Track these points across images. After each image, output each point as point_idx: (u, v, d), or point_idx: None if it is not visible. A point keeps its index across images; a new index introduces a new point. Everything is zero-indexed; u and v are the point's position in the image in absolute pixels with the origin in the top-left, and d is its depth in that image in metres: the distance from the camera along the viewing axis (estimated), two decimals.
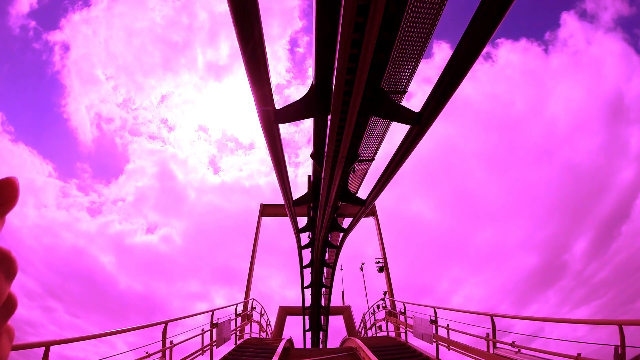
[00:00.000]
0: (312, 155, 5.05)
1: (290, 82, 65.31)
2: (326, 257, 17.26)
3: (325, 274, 19.02)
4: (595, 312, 42.69)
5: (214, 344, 8.63)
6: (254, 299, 15.63)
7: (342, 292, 26.30)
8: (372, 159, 6.54)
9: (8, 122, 52.43)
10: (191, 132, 67.97)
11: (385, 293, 18.50)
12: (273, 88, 3.30)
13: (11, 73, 54.67)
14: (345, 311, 23.18)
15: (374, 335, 16.11)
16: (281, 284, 58.81)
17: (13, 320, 0.47)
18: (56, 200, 56.45)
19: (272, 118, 3.54)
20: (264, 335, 16.10)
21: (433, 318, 8.77)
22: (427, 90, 3.91)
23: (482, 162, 58.52)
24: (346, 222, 13.60)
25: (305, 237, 14.74)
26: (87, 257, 54.13)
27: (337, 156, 4.25)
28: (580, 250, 47.10)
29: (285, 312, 22.72)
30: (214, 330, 8.81)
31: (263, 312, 16.35)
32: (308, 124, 4.45)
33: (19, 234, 50.17)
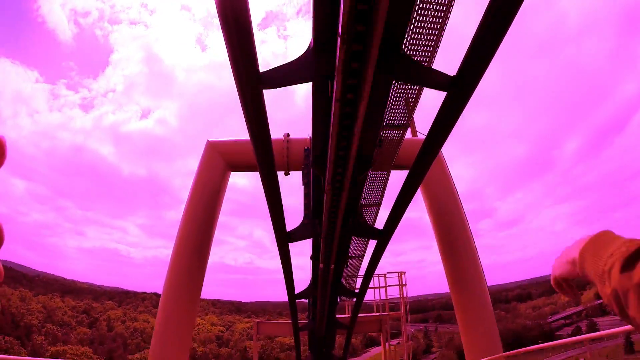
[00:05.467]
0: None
1: None
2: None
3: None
4: (575, 212, 46.50)
5: None
6: None
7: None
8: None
9: None
10: (174, 13, 61.47)
11: None
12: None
13: None
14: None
15: None
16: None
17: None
18: (48, 104, 54.98)
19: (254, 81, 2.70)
20: None
21: None
22: None
23: None
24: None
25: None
26: (88, 152, 55.13)
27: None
28: (570, 150, 48.53)
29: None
30: None
31: None
32: None
33: (17, 145, 50.07)
